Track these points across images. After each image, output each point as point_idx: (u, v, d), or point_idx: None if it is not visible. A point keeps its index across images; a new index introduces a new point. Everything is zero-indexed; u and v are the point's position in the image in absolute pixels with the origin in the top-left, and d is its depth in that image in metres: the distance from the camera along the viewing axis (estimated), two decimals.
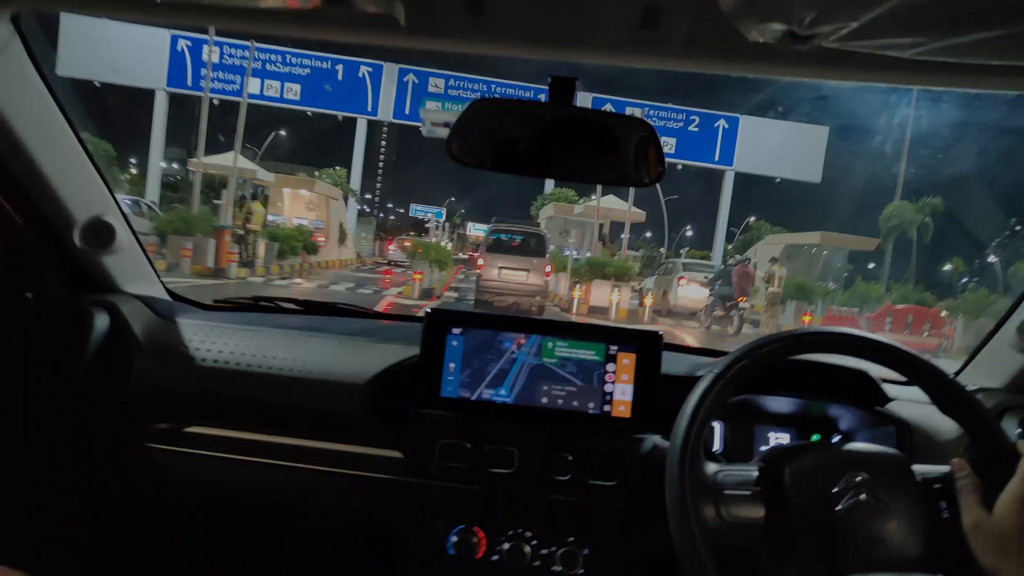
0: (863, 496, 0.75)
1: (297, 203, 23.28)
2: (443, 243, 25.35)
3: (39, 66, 0.99)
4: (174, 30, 21.70)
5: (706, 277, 14.41)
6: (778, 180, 30.34)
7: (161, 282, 1.33)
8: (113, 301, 1.18)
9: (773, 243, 23.79)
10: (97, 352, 1.13)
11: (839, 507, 0.76)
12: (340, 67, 23.52)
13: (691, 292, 15.74)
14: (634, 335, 1.17)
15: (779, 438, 1.22)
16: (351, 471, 1.16)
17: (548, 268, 13.77)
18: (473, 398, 1.16)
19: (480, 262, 14.35)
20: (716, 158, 26.21)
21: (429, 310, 1.17)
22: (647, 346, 1.18)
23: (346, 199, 25.36)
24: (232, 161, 15.51)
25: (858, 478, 0.77)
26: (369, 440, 1.16)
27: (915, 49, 0.68)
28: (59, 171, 1.07)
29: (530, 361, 1.18)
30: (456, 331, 1.18)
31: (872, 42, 0.68)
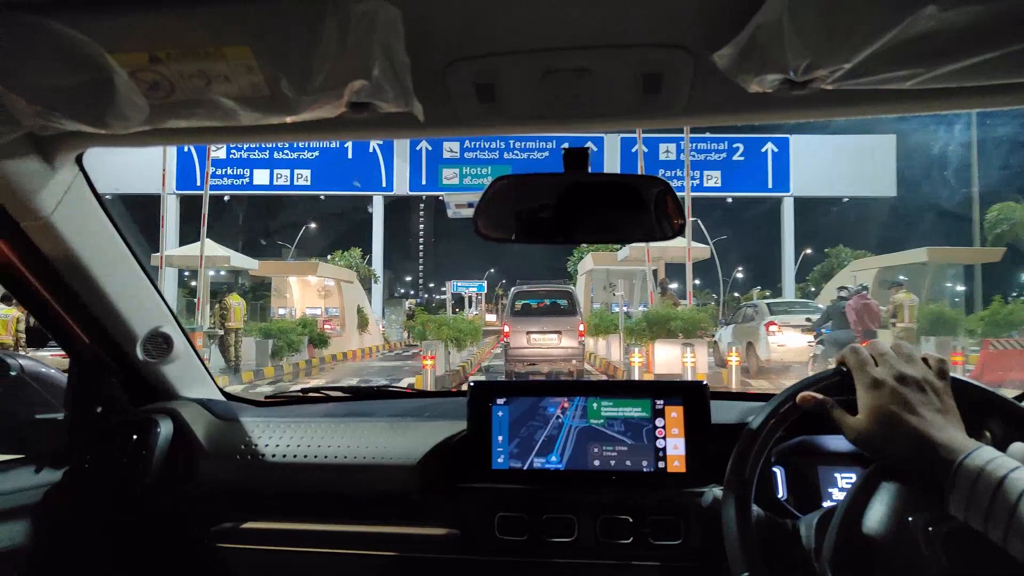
0: (931, 528, 0.73)
1: (308, 292, 19.38)
2: (475, 315, 20.91)
3: (99, 196, 1.13)
4: None
5: (808, 320, 12.41)
6: (845, 200, 28.06)
7: (216, 384, 1.45)
8: (175, 407, 1.28)
9: (862, 268, 21.04)
10: (163, 458, 1.22)
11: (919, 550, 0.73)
12: (350, 146, 23.97)
13: (787, 340, 12.93)
14: (679, 387, 1.20)
15: (847, 478, 1.18)
16: (409, 553, 1.19)
17: (582, 327, 12.97)
18: (525, 468, 1.19)
19: (506, 329, 13.53)
20: (769, 185, 24.53)
21: (472, 383, 1.24)
22: (694, 397, 1.19)
23: (367, 281, 23.48)
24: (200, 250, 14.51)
25: (909, 518, 0.73)
26: (425, 520, 1.19)
27: (913, 80, 0.73)
28: (120, 290, 1.20)
29: (576, 424, 1.21)
30: (500, 401, 1.22)
31: (869, 79, 0.72)
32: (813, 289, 28.51)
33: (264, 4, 0.65)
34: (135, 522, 1.22)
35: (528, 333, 12.79)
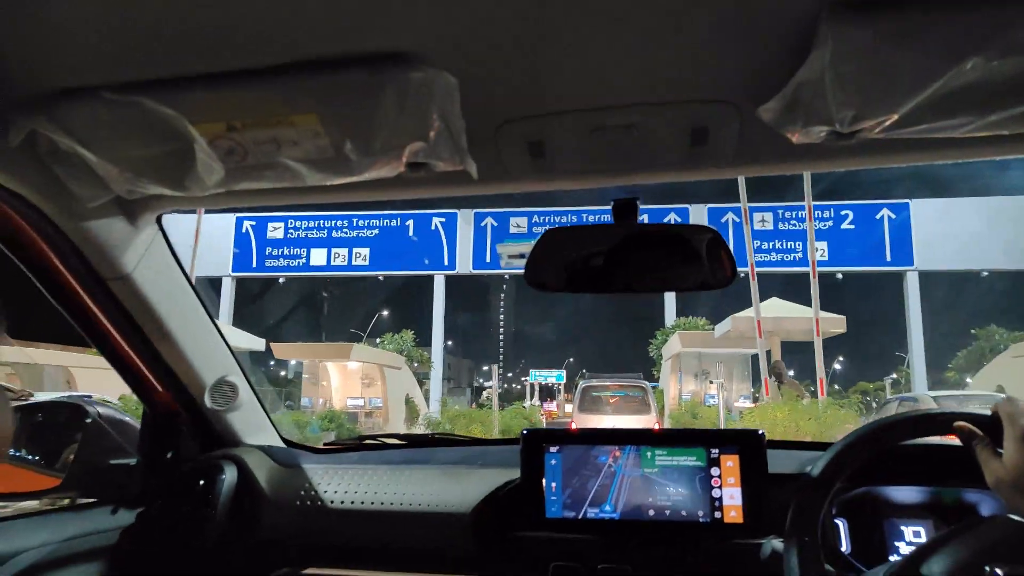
0: None
1: (348, 380, 15.59)
2: (534, 405, 17.29)
3: (174, 253, 1.27)
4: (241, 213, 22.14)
5: None
6: (984, 273, 24.13)
7: (277, 431, 1.55)
8: (239, 454, 1.39)
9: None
10: (228, 503, 1.32)
11: None
12: (411, 222, 22.72)
13: None
14: (734, 435, 1.22)
15: (915, 531, 1.16)
16: None
17: (656, 425, 11.78)
18: (579, 517, 1.22)
19: (573, 427, 9.02)
20: (887, 258, 21.50)
21: (525, 431, 1.28)
22: (750, 445, 1.20)
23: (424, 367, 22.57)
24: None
25: (999, 571, 0.72)
26: (480, 569, 1.25)
27: (964, 128, 0.74)
28: (191, 341, 1.31)
29: (630, 473, 1.23)
30: (553, 449, 1.25)
31: (916, 128, 0.74)
32: (958, 377, 22.63)
33: (330, 75, 0.73)
34: (201, 565, 1.31)
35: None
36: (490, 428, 10.47)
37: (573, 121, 0.88)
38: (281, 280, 23.52)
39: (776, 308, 13.28)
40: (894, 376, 21.32)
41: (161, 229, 1.19)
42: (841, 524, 1.16)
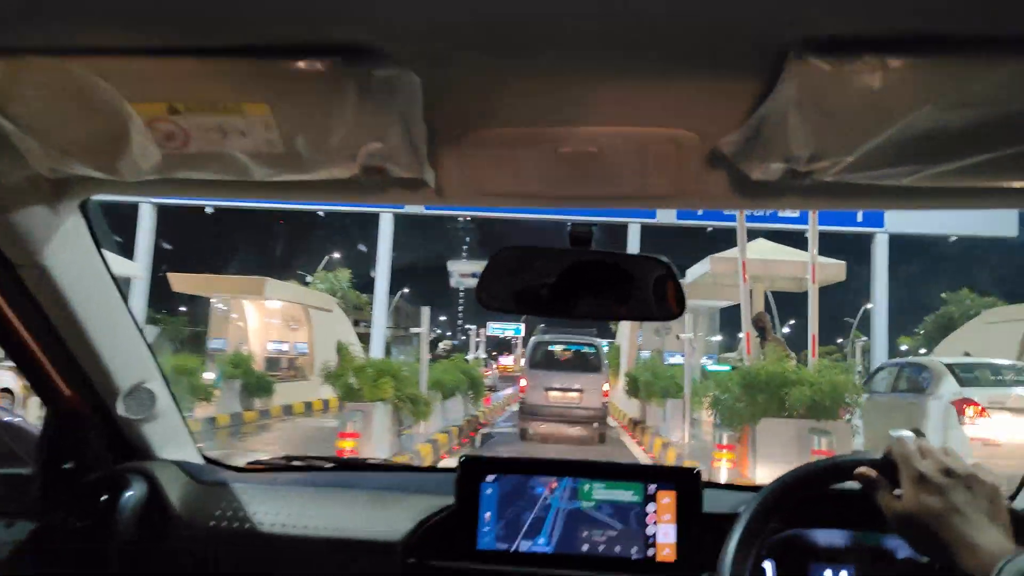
0: None
1: (271, 322, 12.54)
2: (475, 358, 15.09)
3: (98, 244, 1.20)
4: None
5: None
6: (952, 239, 23.26)
7: (195, 446, 1.48)
8: (150, 468, 1.31)
9: (1005, 320, 14.64)
10: (134, 520, 1.24)
11: None
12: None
13: (1003, 433, 7.45)
14: (672, 472, 1.25)
15: None
16: None
17: (606, 386, 11.71)
18: (511, 550, 1.22)
19: (523, 383, 11.97)
20: (859, 219, 20.18)
21: (464, 458, 1.27)
22: (687, 483, 1.23)
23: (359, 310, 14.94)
24: None
25: None
26: None
27: (912, 176, 0.78)
28: (108, 341, 1.24)
29: (565, 506, 1.23)
30: (490, 479, 1.25)
31: (868, 173, 0.78)
32: (921, 342, 21.44)
33: (286, 64, 0.69)
34: None
35: (547, 389, 11.47)
36: (407, 383, 8.15)
37: (536, 139, 0.88)
38: (208, 210, 21.48)
39: (764, 250, 11.30)
40: (865, 339, 19.78)
41: (85, 215, 1.12)
42: (769, 566, 1.18)
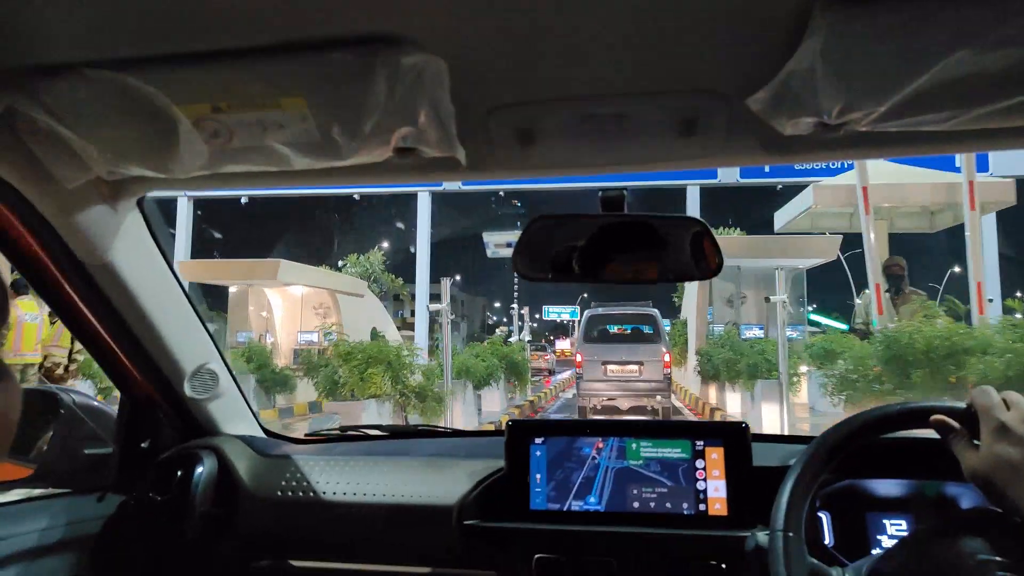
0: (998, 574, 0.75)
1: (298, 310, 10.64)
2: (517, 341, 18.41)
3: (156, 238, 1.30)
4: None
5: None
6: None
7: (257, 421, 1.61)
8: (218, 444, 1.44)
9: None
10: (207, 493, 1.37)
11: None
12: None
13: None
14: (719, 428, 1.28)
15: (895, 525, 1.20)
16: None
17: (667, 356, 10.81)
18: (564, 509, 1.28)
19: (578, 358, 11.14)
20: (957, 164, 13.70)
21: (511, 422, 1.34)
22: (735, 438, 1.26)
23: (396, 297, 12.77)
24: None
25: (980, 558, 0.76)
26: (463, 562, 1.31)
27: (950, 122, 0.77)
28: (171, 328, 1.35)
29: (613, 465, 1.28)
30: (538, 441, 1.30)
31: (903, 121, 0.77)
32: None
33: (318, 58, 0.75)
34: (180, 555, 1.39)
35: (604, 364, 10.73)
36: (409, 371, 6.00)
37: (563, 109, 0.91)
38: (243, 200, 20.18)
39: (886, 172, 8.38)
40: None
41: (142, 212, 1.22)
42: (824, 517, 1.21)
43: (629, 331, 11.66)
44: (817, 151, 0.98)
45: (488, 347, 11.58)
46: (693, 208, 18.68)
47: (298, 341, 15.89)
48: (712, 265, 1.11)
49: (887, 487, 1.19)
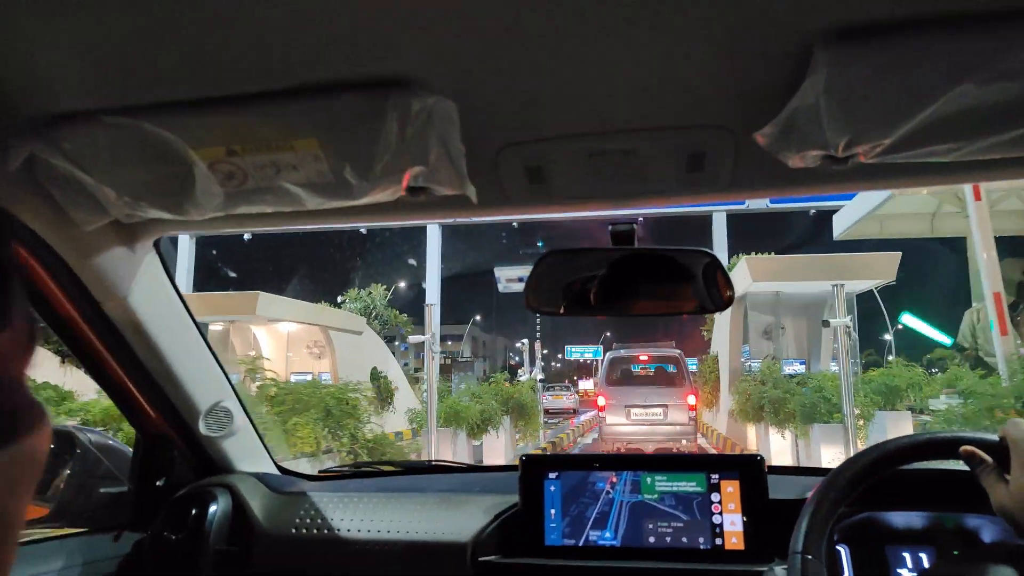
0: None
1: (287, 349, 8.76)
2: (526, 379, 15.56)
3: (171, 277, 1.34)
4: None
5: None
6: None
7: (271, 457, 1.63)
8: (232, 482, 1.47)
9: None
10: (222, 530, 1.39)
11: None
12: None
13: None
14: (734, 461, 1.28)
15: (916, 558, 1.18)
16: None
17: (691, 399, 10.34)
18: (579, 544, 1.28)
19: (600, 402, 10.71)
20: None
21: (524, 457, 1.34)
22: (750, 471, 1.26)
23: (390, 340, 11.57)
24: None
25: None
26: None
27: (955, 153, 0.77)
28: (186, 366, 1.38)
29: (628, 499, 1.28)
30: (552, 476, 1.31)
31: (908, 153, 0.77)
32: None
33: (330, 100, 0.77)
34: None
35: (627, 407, 10.33)
36: (358, 418, 4.50)
37: (571, 146, 0.93)
38: (246, 237, 19.91)
39: None
40: None
41: (158, 252, 1.26)
42: (843, 550, 1.19)
43: (653, 372, 11.43)
44: (824, 183, 1.01)
45: (490, 387, 10.06)
46: (720, 236, 18.39)
47: (290, 380, 14.56)
48: (724, 296, 1.12)
49: (906, 519, 1.21)
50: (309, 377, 15.10)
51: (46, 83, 0.74)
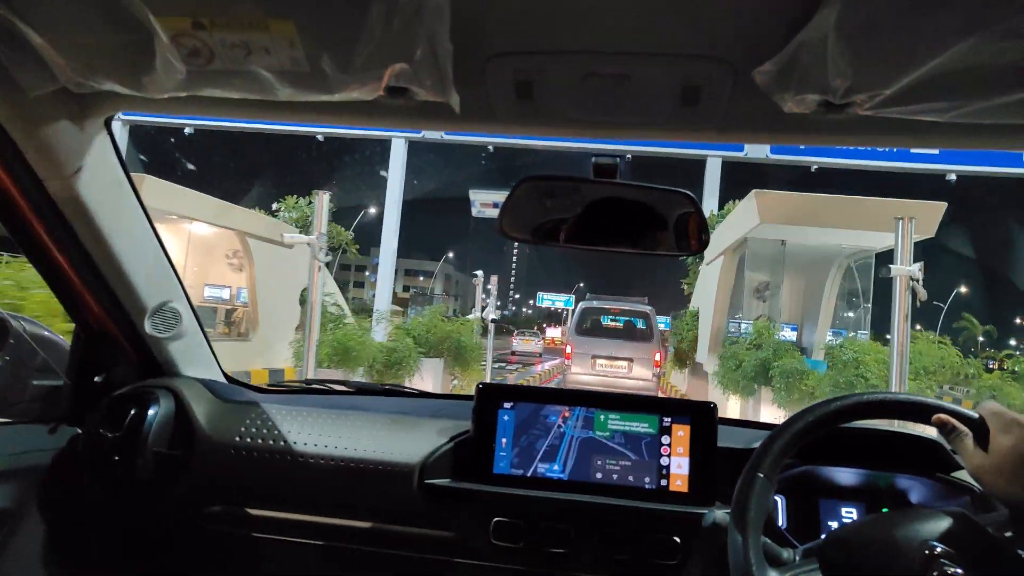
0: (950, 571, 0.73)
1: (201, 256, 13.02)
2: (472, 319, 12.07)
3: (123, 163, 1.28)
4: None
5: None
6: None
7: (219, 365, 1.62)
8: (176, 385, 1.45)
9: None
10: (162, 434, 1.37)
11: None
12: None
13: None
14: (688, 406, 1.32)
15: (848, 513, 1.25)
16: (404, 552, 1.33)
17: (657, 355, 10.04)
18: (527, 475, 1.31)
19: (568, 350, 10.51)
20: None
21: (480, 385, 1.36)
22: (702, 417, 1.28)
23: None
24: None
25: (936, 550, 0.75)
26: (421, 521, 1.34)
27: (951, 113, 0.76)
28: (135, 260, 1.35)
29: (579, 435, 1.30)
30: (507, 406, 1.33)
31: (906, 108, 0.76)
32: None
33: None
34: (130, 494, 1.40)
35: (594, 357, 10.07)
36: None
37: (564, 63, 0.88)
38: (187, 131, 17.57)
39: None
40: None
41: (110, 133, 1.19)
42: (779, 500, 1.24)
43: (622, 325, 11.30)
44: (817, 133, 0.97)
45: (418, 322, 8.09)
46: (713, 180, 16.40)
47: (203, 297, 12.42)
48: (697, 243, 1.12)
49: (841, 475, 1.24)
50: (226, 292, 12.92)
51: None
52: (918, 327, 11.45)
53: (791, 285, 12.71)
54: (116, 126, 1.21)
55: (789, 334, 11.30)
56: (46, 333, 1.34)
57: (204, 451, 1.34)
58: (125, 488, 1.30)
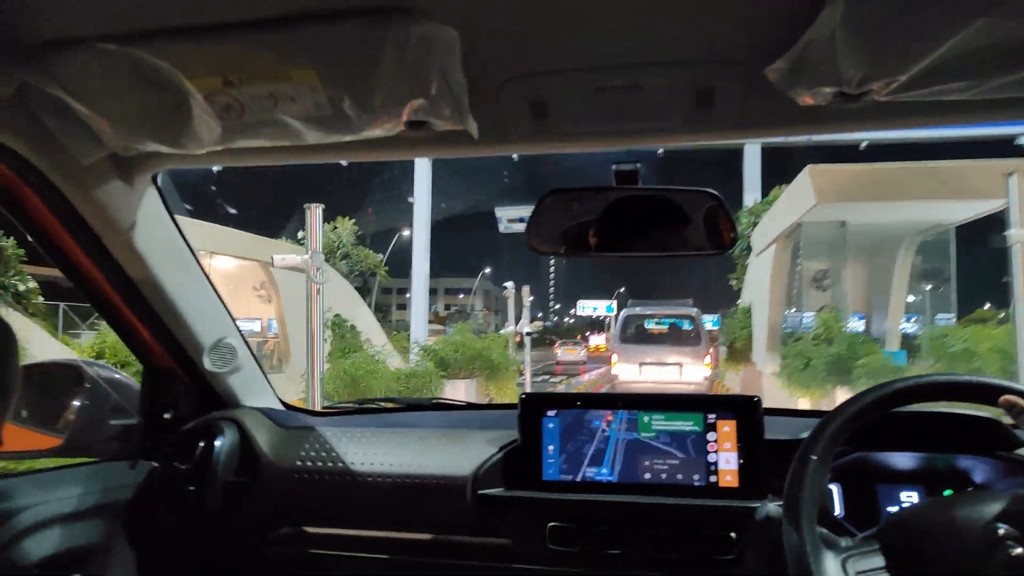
0: (1015, 551, 0.73)
1: (233, 289, 12.64)
2: (503, 334, 11.18)
3: (170, 211, 1.37)
4: None
5: None
6: None
7: (274, 393, 1.72)
8: (238, 416, 1.54)
9: None
10: (229, 463, 1.45)
11: (989, 569, 0.76)
12: None
13: None
14: (731, 401, 1.34)
15: (908, 497, 1.26)
16: (462, 561, 1.38)
17: (708, 359, 9.58)
18: (576, 479, 1.36)
19: (613, 358, 10.16)
20: None
21: (524, 395, 1.41)
22: (746, 411, 1.31)
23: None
24: None
25: (1000, 531, 0.76)
26: (477, 530, 1.39)
27: (971, 91, 0.76)
28: (189, 302, 1.44)
29: (624, 437, 1.33)
30: (551, 413, 1.38)
31: (925, 90, 0.77)
32: None
33: (327, 28, 0.76)
34: (203, 522, 1.50)
35: (641, 364, 9.68)
36: None
37: (576, 80, 0.90)
38: (216, 169, 20.25)
39: None
40: None
41: (157, 187, 1.29)
42: (835, 489, 1.25)
43: (667, 329, 10.90)
44: (835, 122, 0.98)
45: (451, 342, 7.47)
46: (753, 171, 15.22)
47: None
48: (726, 239, 1.12)
49: (898, 459, 1.24)
50: (257, 325, 12.70)
51: (37, 9, 0.74)
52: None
53: (854, 270, 11.61)
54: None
55: (856, 324, 10.29)
56: (117, 376, 1.42)
57: (267, 478, 1.43)
58: (196, 517, 1.40)
